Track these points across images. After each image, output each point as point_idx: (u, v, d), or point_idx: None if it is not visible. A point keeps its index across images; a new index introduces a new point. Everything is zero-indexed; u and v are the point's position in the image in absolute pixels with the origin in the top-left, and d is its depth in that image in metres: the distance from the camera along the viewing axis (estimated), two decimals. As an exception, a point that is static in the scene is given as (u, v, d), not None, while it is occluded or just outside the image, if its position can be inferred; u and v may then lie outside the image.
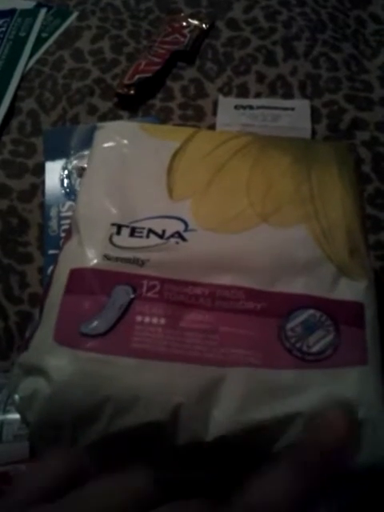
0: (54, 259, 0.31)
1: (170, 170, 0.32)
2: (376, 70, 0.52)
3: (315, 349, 0.26)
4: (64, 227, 0.43)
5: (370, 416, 0.24)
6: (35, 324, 0.29)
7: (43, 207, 0.45)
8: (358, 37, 0.55)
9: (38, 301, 0.31)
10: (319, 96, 0.51)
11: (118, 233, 0.29)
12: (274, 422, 0.24)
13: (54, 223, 0.44)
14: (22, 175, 0.47)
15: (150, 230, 0.29)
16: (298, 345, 0.26)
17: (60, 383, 0.24)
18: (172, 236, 0.29)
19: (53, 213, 0.44)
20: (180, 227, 0.29)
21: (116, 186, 0.32)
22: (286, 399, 0.25)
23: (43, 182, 0.46)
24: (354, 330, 0.26)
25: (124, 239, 0.29)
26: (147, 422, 0.24)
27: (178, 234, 0.29)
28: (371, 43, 0.55)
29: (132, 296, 0.27)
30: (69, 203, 0.44)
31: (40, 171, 0.47)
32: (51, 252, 0.42)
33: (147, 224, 0.30)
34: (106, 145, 0.34)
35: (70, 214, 0.43)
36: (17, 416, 0.26)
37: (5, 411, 0.33)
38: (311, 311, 0.27)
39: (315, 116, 0.49)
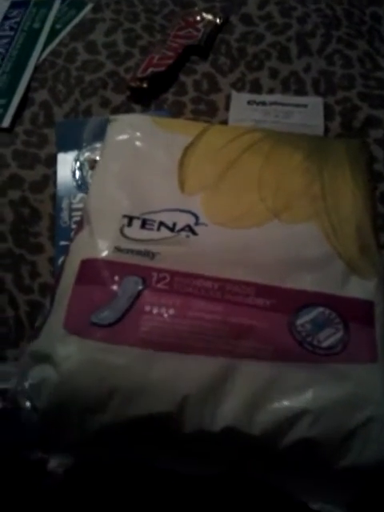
0: (66, 250, 0.31)
1: (181, 164, 0.32)
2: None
3: (325, 344, 0.26)
4: (75, 219, 0.43)
5: (378, 413, 0.24)
6: (46, 313, 0.29)
7: (55, 198, 0.45)
8: (374, 34, 0.55)
9: (48, 291, 0.31)
10: (333, 93, 0.50)
11: (130, 224, 0.29)
12: (281, 418, 0.24)
13: (65, 215, 0.44)
14: (34, 166, 0.47)
15: (161, 223, 0.30)
16: (308, 339, 0.26)
17: (68, 371, 0.25)
18: (183, 229, 0.29)
19: (64, 204, 0.44)
20: (191, 221, 0.30)
21: (128, 178, 0.32)
22: (294, 395, 0.25)
23: (55, 173, 0.46)
24: (363, 328, 0.26)
25: (135, 231, 0.29)
26: (154, 412, 0.25)
27: (189, 228, 0.29)
28: (386, 41, 0.54)
29: (141, 287, 0.27)
30: (80, 195, 0.45)
31: (52, 162, 0.47)
32: (62, 243, 0.42)
33: (158, 217, 0.30)
34: (118, 137, 0.34)
35: (81, 205, 0.43)
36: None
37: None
38: (320, 309, 0.27)
39: (328, 113, 0.49)
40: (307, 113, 0.48)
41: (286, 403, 0.24)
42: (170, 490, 0.30)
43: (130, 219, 0.30)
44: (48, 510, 0.30)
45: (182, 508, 0.30)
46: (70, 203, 0.44)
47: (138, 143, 0.34)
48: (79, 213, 0.42)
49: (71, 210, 0.44)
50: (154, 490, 0.30)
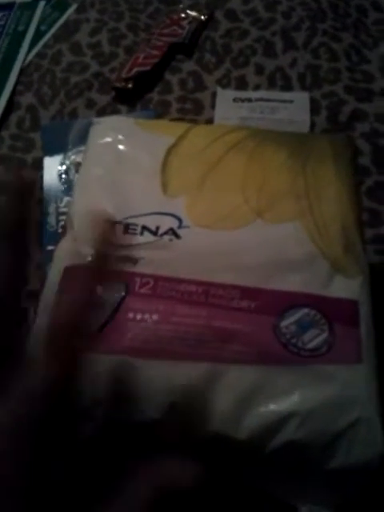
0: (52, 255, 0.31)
1: (164, 166, 0.32)
2: (377, 60, 0.51)
3: (310, 346, 0.26)
4: (62, 223, 0.43)
5: (364, 415, 0.24)
6: (31, 322, 0.29)
7: (42, 203, 0.45)
8: (359, 26, 0.54)
9: (36, 298, 0.31)
10: (319, 87, 0.50)
11: (112, 230, 0.29)
12: (268, 421, 0.24)
13: (52, 219, 0.44)
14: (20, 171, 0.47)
15: (144, 227, 0.29)
16: (293, 340, 0.26)
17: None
18: (166, 233, 0.29)
19: (51, 209, 0.44)
20: (174, 224, 0.29)
21: (110, 182, 0.32)
22: (280, 398, 0.25)
23: (42, 178, 0.46)
24: (348, 328, 0.26)
25: (118, 236, 0.29)
26: (141, 420, 0.25)
27: (172, 231, 0.29)
28: (372, 32, 0.54)
29: (124, 293, 0.27)
30: (67, 199, 0.44)
31: (38, 166, 0.47)
32: (49, 248, 0.42)
33: (141, 221, 0.30)
34: (101, 141, 0.34)
35: (67, 210, 0.43)
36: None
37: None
38: (305, 310, 0.26)
39: (314, 108, 0.48)
40: (293, 108, 0.48)
41: (272, 406, 0.24)
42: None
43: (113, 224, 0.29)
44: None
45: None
46: (57, 207, 0.44)
47: (120, 146, 0.33)
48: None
49: (58, 213, 0.44)
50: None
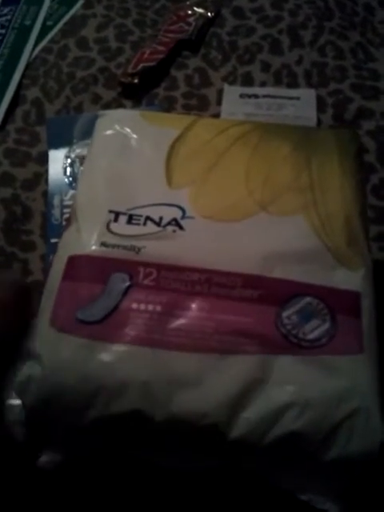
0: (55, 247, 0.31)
1: (169, 158, 0.32)
2: (384, 58, 0.51)
3: (311, 336, 0.26)
4: (66, 216, 0.43)
5: (364, 405, 0.24)
6: (35, 309, 0.29)
7: (46, 196, 0.45)
8: (366, 24, 0.54)
9: (40, 288, 0.31)
10: (325, 85, 0.50)
11: (116, 220, 0.29)
12: (267, 412, 0.24)
13: (56, 212, 0.44)
14: (25, 164, 0.47)
15: (148, 218, 0.29)
16: (294, 331, 0.26)
17: (53, 369, 0.25)
18: (169, 224, 0.29)
19: (56, 201, 0.44)
20: (177, 215, 0.29)
21: (115, 173, 0.32)
22: (280, 388, 0.25)
23: (47, 171, 0.46)
24: (350, 319, 0.26)
25: (121, 226, 0.29)
26: (141, 409, 0.25)
27: (176, 222, 0.29)
28: (379, 31, 0.54)
29: (128, 283, 0.27)
30: (72, 192, 0.44)
31: (43, 160, 0.47)
32: (54, 240, 0.42)
33: (145, 212, 0.30)
34: (106, 133, 0.34)
35: (72, 202, 0.43)
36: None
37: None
38: (308, 299, 0.26)
39: (320, 105, 0.48)
40: (300, 105, 0.48)
41: (271, 397, 0.24)
42: (158, 483, 0.30)
43: (117, 215, 0.30)
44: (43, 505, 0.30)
45: (172, 502, 0.30)
46: (62, 200, 0.44)
47: (125, 138, 0.33)
48: (70, 210, 0.42)
49: (63, 206, 0.44)
50: (144, 484, 0.30)
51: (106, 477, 0.31)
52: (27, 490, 0.31)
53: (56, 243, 0.40)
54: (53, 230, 0.43)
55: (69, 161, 0.46)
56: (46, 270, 0.41)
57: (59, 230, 0.42)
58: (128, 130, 0.34)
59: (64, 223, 0.43)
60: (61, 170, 0.46)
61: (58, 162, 0.46)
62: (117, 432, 0.26)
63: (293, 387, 0.24)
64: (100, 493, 0.31)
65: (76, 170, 0.46)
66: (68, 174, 0.46)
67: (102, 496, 0.31)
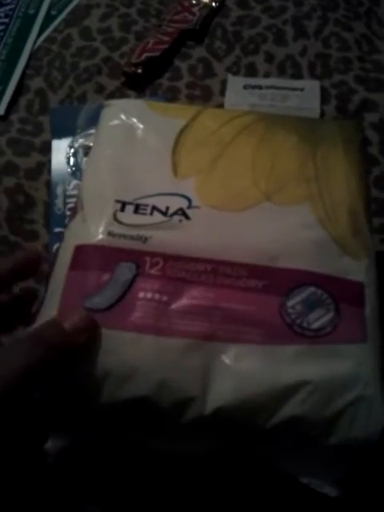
0: (60, 236, 0.31)
1: (175, 148, 0.32)
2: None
3: (315, 325, 0.26)
4: (69, 206, 0.43)
5: (366, 393, 0.24)
6: (41, 300, 0.29)
7: (49, 185, 0.45)
8: (371, 16, 0.54)
9: (43, 278, 0.31)
10: (329, 76, 0.50)
11: (123, 210, 0.29)
12: (270, 398, 0.24)
13: (59, 201, 0.44)
14: (28, 153, 0.47)
15: (154, 207, 0.29)
16: (298, 321, 0.26)
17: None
18: (175, 213, 0.29)
19: (59, 191, 0.44)
20: (184, 204, 0.29)
21: (121, 163, 0.32)
22: (283, 375, 0.25)
23: (50, 161, 0.46)
24: (353, 309, 0.26)
25: (128, 216, 0.29)
26: (147, 396, 0.25)
27: (182, 211, 0.29)
28: (384, 23, 0.54)
29: (135, 273, 0.27)
30: (75, 182, 0.44)
31: (47, 149, 0.47)
32: (56, 230, 0.42)
33: (151, 201, 0.30)
34: (112, 122, 0.34)
35: (75, 192, 0.43)
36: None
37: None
38: (312, 289, 0.27)
39: (324, 97, 0.48)
40: (304, 96, 0.48)
41: (274, 384, 0.25)
42: (163, 469, 0.30)
43: (123, 204, 0.30)
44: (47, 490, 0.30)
45: (176, 486, 0.31)
46: (65, 190, 0.44)
47: (131, 128, 0.33)
48: (73, 199, 0.42)
49: (66, 196, 0.44)
50: (150, 470, 0.31)
51: (110, 464, 0.31)
52: (33, 476, 0.31)
53: (59, 232, 0.41)
54: (55, 219, 0.43)
55: (72, 150, 0.46)
56: (48, 259, 0.41)
57: (62, 220, 0.42)
58: (134, 119, 0.34)
59: (67, 213, 0.43)
60: (64, 160, 0.46)
61: (61, 151, 0.46)
62: (123, 418, 0.26)
63: (296, 374, 0.25)
64: (105, 480, 0.31)
65: (79, 160, 0.46)
66: (71, 163, 0.46)
67: (107, 483, 0.31)
